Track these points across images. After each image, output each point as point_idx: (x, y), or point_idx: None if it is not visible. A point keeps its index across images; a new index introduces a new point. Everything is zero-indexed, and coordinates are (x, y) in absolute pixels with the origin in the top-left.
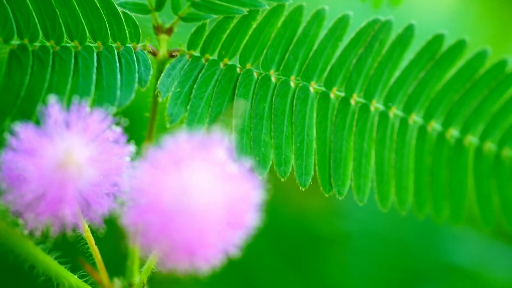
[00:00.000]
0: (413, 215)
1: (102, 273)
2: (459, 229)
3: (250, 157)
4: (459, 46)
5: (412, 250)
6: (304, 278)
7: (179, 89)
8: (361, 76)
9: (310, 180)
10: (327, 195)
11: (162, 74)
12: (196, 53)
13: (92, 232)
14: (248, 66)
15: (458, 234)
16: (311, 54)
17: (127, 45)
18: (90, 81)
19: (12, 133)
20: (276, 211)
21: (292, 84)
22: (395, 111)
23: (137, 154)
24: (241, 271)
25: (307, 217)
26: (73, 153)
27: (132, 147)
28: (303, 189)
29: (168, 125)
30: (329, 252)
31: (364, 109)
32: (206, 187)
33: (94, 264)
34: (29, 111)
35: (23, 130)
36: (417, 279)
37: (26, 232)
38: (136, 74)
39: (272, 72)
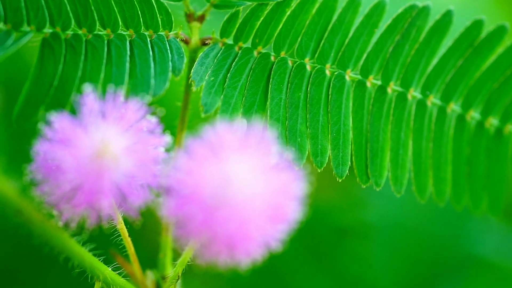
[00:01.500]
0: (435, 206)
1: (135, 266)
2: (484, 220)
3: (286, 148)
4: (499, 32)
5: (435, 241)
6: (325, 269)
7: (212, 78)
8: (398, 64)
9: (347, 171)
10: (364, 186)
11: (195, 63)
12: (229, 41)
13: (128, 224)
14: (283, 54)
15: (482, 225)
16: (346, 41)
17: (159, 33)
18: (123, 70)
19: (47, 123)
20: None
21: (327, 72)
22: (433, 100)
23: (173, 144)
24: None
25: (326, 208)
26: (109, 143)
27: (168, 137)
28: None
29: (202, 115)
30: (350, 243)
31: (401, 98)
32: (247, 178)
33: (127, 257)
34: (63, 101)
35: (58, 120)
36: (440, 271)
37: (61, 223)
38: (170, 63)
39: (307, 60)
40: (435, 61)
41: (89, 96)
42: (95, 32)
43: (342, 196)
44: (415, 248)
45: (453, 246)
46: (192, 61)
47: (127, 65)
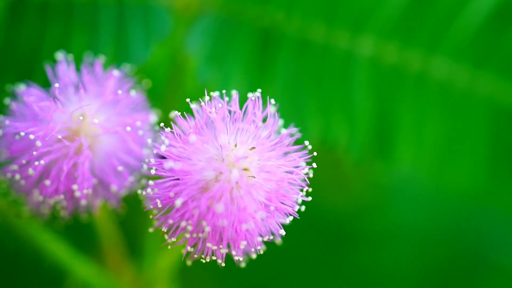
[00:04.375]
0: (450, 212)
1: (116, 261)
2: (504, 225)
3: (292, 126)
4: None
5: (450, 249)
6: (337, 277)
7: (210, 49)
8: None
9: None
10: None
11: (192, 32)
12: (228, 9)
13: (109, 212)
14: (289, 24)
15: (503, 230)
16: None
17: None
18: (101, 35)
19: (14, 96)
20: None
21: (340, 44)
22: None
23: (162, 120)
24: (269, 265)
25: (337, 213)
26: (85, 119)
27: (154, 113)
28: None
29: (197, 87)
30: (361, 250)
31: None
32: (247, 162)
33: (109, 250)
34: (33, 71)
35: (26, 93)
36: (456, 278)
37: (30, 212)
38: (157, 27)
39: (316, 30)
40: None
41: (62, 65)
42: None
43: (354, 201)
44: (430, 255)
45: (471, 253)
46: (188, 29)
47: (105, 30)
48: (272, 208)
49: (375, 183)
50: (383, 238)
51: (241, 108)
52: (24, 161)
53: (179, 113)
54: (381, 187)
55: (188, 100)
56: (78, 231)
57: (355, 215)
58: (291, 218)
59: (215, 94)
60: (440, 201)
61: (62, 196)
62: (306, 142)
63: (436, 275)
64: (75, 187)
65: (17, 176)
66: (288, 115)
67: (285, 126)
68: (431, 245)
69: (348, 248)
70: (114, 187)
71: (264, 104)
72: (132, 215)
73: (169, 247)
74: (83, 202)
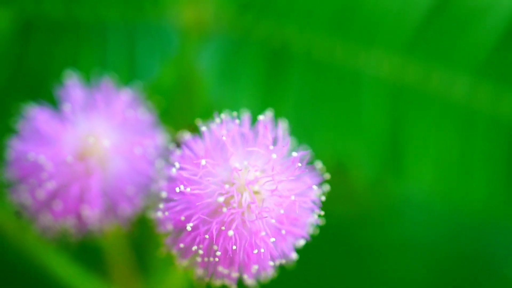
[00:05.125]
0: (459, 223)
1: (125, 279)
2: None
3: (302, 147)
4: None
5: (458, 261)
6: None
7: (221, 68)
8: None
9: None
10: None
11: (202, 52)
12: (239, 28)
13: (118, 232)
14: (300, 42)
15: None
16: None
17: (158, 14)
18: (113, 54)
19: (23, 117)
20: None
21: (351, 62)
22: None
23: (173, 140)
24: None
25: (344, 223)
26: (95, 140)
27: (166, 133)
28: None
29: (208, 106)
30: (369, 260)
31: (434, 91)
32: (258, 185)
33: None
34: (43, 90)
35: (36, 113)
36: None
37: (39, 234)
38: (165, 46)
39: (327, 49)
40: None
41: (73, 84)
42: (79, 12)
43: (361, 212)
44: (438, 266)
45: (479, 264)
46: (199, 47)
47: (113, 49)
48: (283, 231)
49: (384, 194)
50: (392, 249)
51: (251, 129)
52: (33, 183)
53: (190, 135)
54: (390, 197)
55: (198, 121)
56: (88, 250)
57: (362, 225)
58: (303, 241)
59: (226, 115)
60: (449, 212)
61: (71, 217)
62: (318, 164)
63: (445, 287)
64: (84, 208)
65: (27, 198)
66: (299, 133)
67: (296, 145)
68: (440, 257)
69: (356, 259)
70: (123, 208)
71: (275, 124)
72: (140, 234)
73: (180, 269)
74: (93, 222)
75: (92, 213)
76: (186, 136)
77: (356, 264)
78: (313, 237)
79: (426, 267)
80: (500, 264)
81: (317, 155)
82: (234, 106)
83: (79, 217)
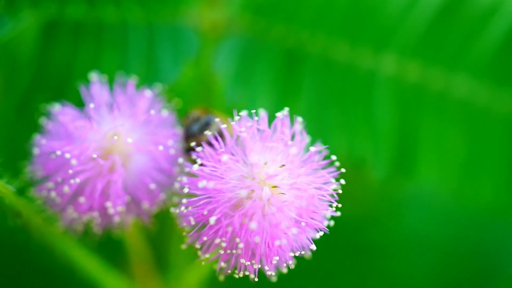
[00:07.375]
0: (465, 222)
1: (145, 274)
2: None
3: (318, 143)
4: None
5: (464, 260)
6: (349, 286)
7: (237, 68)
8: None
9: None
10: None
11: (219, 53)
12: (253, 29)
13: (140, 228)
14: (313, 43)
15: None
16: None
17: (177, 16)
18: (134, 55)
19: (49, 116)
20: None
21: (363, 63)
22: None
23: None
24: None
25: (350, 222)
26: (119, 138)
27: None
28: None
29: (225, 106)
30: (374, 260)
31: (443, 92)
32: (277, 179)
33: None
34: (66, 90)
35: (61, 112)
36: None
37: (64, 228)
38: (185, 48)
39: (340, 49)
40: None
41: (95, 85)
42: (101, 14)
43: (367, 211)
44: (445, 266)
45: (485, 264)
46: (214, 49)
47: (135, 50)
48: (303, 224)
49: (389, 193)
50: (397, 247)
51: (269, 126)
52: (59, 179)
53: (210, 132)
54: (395, 196)
55: (217, 119)
56: (109, 246)
57: (367, 224)
58: (321, 233)
59: (244, 113)
60: (455, 210)
61: (95, 213)
62: (334, 158)
63: (451, 286)
64: (108, 204)
65: (52, 194)
66: (313, 132)
67: (311, 143)
68: (446, 256)
69: (361, 257)
70: (145, 204)
71: (291, 122)
72: (159, 231)
73: (203, 263)
74: (116, 218)
75: (115, 209)
76: (196, 114)
77: (361, 262)
78: (323, 235)
79: (431, 265)
80: (506, 263)
81: (331, 152)
82: (250, 106)
83: (102, 212)
